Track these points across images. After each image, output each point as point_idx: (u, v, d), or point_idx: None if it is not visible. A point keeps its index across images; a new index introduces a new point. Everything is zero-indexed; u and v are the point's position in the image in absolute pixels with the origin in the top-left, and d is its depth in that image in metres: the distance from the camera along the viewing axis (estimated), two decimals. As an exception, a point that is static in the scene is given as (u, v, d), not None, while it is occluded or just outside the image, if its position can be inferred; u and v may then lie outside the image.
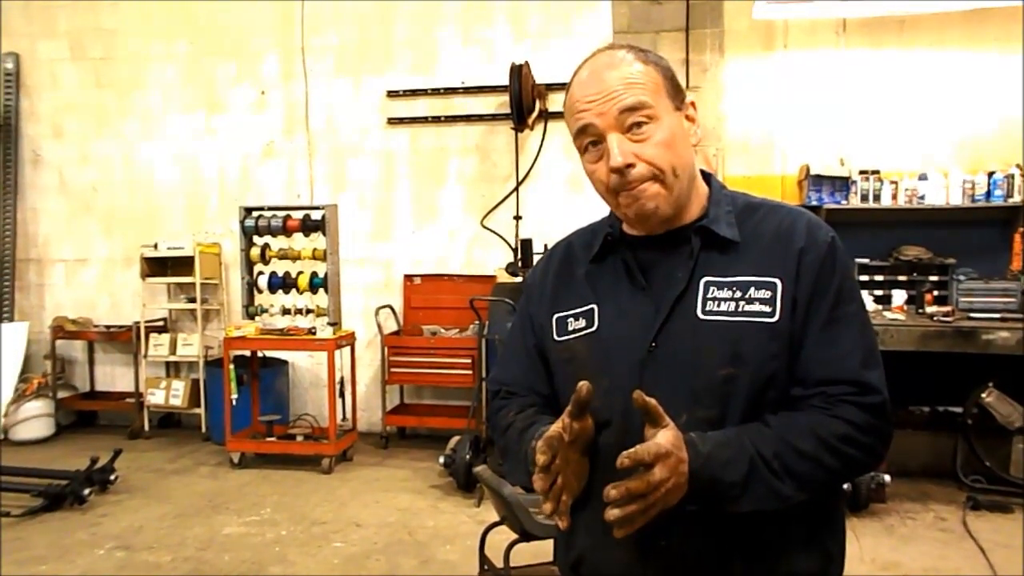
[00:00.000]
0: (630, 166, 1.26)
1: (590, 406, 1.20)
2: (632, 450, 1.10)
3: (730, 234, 1.32)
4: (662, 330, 1.29)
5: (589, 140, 1.30)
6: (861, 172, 5.50)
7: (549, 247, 1.60)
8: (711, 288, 1.29)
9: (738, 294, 1.27)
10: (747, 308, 1.26)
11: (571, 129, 1.33)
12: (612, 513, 1.11)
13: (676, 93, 1.32)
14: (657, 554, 1.27)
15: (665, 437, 1.14)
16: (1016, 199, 5.26)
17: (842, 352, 1.26)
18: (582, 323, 1.38)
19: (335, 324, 5.67)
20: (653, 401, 1.14)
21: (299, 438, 5.83)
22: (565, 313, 1.41)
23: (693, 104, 1.35)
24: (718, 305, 1.28)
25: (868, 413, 1.24)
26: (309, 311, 5.82)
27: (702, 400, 1.25)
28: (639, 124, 1.26)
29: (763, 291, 1.27)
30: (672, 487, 1.13)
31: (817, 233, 1.31)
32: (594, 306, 1.37)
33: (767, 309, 1.26)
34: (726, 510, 1.20)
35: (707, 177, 1.41)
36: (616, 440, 1.30)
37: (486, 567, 3.53)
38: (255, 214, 5.80)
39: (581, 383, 1.18)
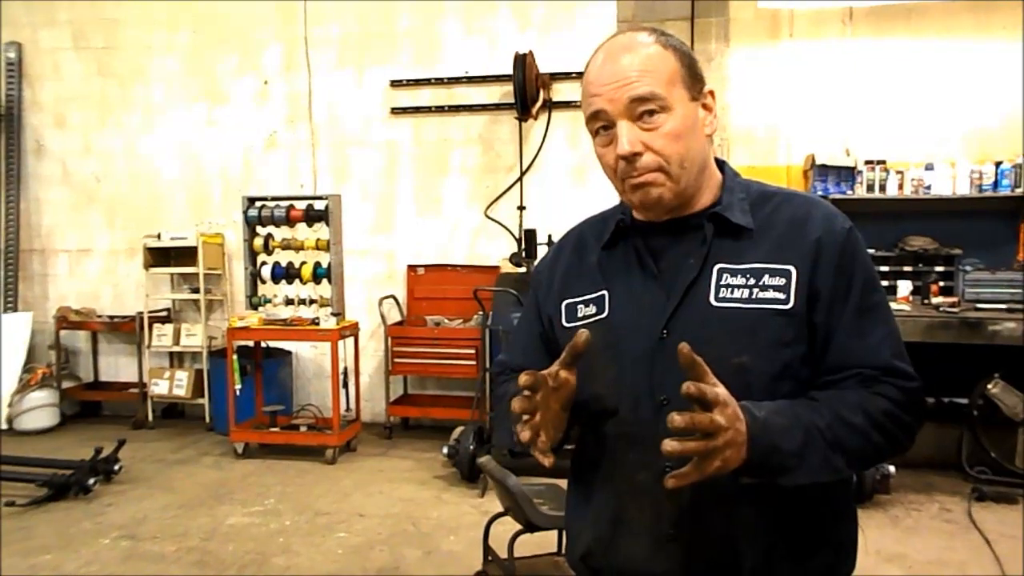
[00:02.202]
0: (637, 154, 1.25)
1: (584, 354, 1.19)
2: (697, 383, 1.06)
3: (744, 221, 1.30)
4: (673, 317, 1.27)
5: (600, 124, 1.28)
6: (867, 162, 5.47)
7: (553, 237, 1.59)
8: (724, 275, 1.27)
9: (752, 281, 1.25)
10: (761, 295, 1.24)
11: (584, 112, 1.31)
12: (671, 444, 1.04)
13: (694, 82, 1.29)
14: (667, 545, 1.26)
15: (723, 390, 1.09)
16: (1023, 189, 5.23)
17: (875, 341, 1.25)
18: (592, 309, 1.36)
19: (339, 314, 5.67)
20: (699, 358, 1.08)
21: (303, 428, 5.84)
22: (575, 299, 1.39)
23: (712, 93, 1.32)
24: (731, 292, 1.26)
25: (905, 394, 1.23)
26: (312, 301, 5.82)
27: None
28: (650, 112, 1.24)
29: (777, 278, 1.25)
30: (730, 441, 1.08)
31: (834, 222, 1.29)
32: (605, 292, 1.36)
33: (781, 296, 1.24)
34: (779, 482, 1.15)
35: (721, 164, 1.39)
36: (624, 429, 1.30)
37: (490, 558, 3.53)
38: (258, 204, 5.79)
39: (581, 331, 1.17)
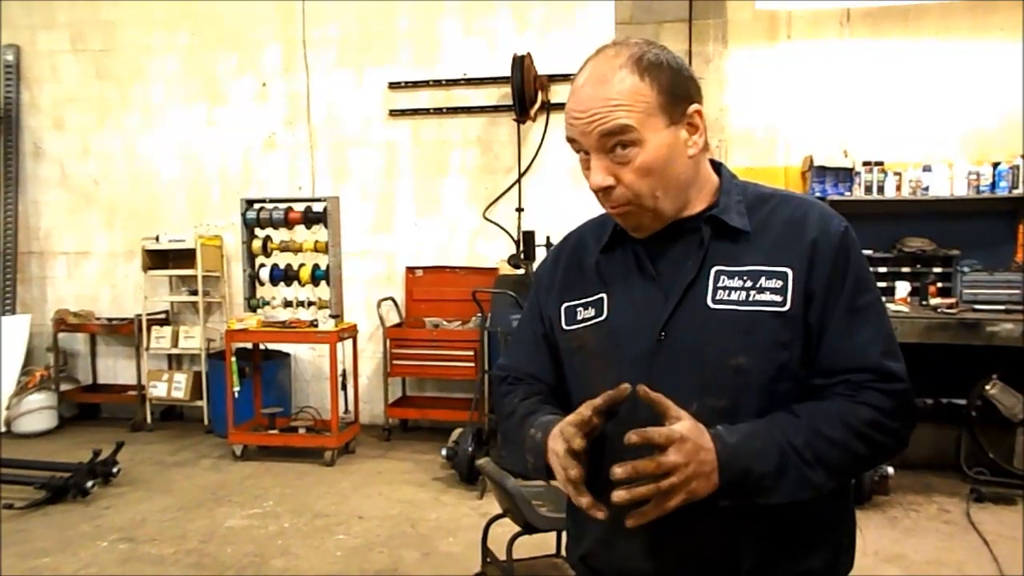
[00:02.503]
0: (610, 188, 1.27)
1: (622, 400, 1.20)
2: (642, 429, 1.08)
3: (740, 223, 1.31)
4: (671, 319, 1.28)
5: (578, 149, 1.31)
6: (865, 163, 5.47)
7: (552, 239, 1.60)
8: (721, 277, 1.28)
9: (749, 283, 1.26)
10: (758, 297, 1.25)
11: (565, 132, 1.33)
12: (619, 494, 1.08)
13: (675, 105, 1.26)
14: (665, 547, 1.26)
15: (682, 425, 1.12)
16: (1021, 190, 5.23)
17: (864, 341, 1.25)
18: (591, 312, 1.37)
19: (337, 316, 5.67)
20: (658, 395, 1.12)
21: (301, 431, 5.83)
22: (574, 302, 1.40)
23: (699, 112, 1.30)
24: (728, 294, 1.27)
25: (892, 399, 1.23)
26: (311, 303, 5.82)
27: (712, 390, 1.24)
28: (623, 145, 1.24)
29: (774, 280, 1.26)
30: (693, 475, 1.11)
31: (830, 223, 1.30)
32: (603, 295, 1.37)
33: (778, 298, 1.25)
34: (758, 503, 1.18)
35: (718, 167, 1.39)
36: (623, 430, 1.29)
37: (489, 560, 3.53)
38: (256, 206, 5.79)
39: (624, 385, 1.19)
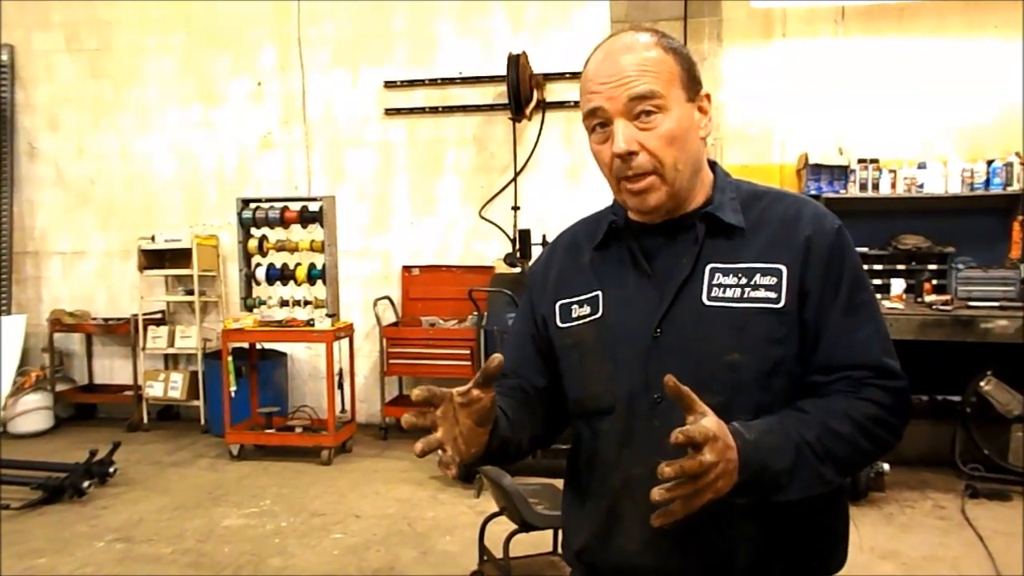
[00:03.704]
0: (632, 153, 1.26)
1: (496, 379, 1.19)
2: (684, 428, 1.06)
3: (735, 220, 1.31)
4: (666, 316, 1.29)
5: (598, 122, 1.29)
6: (860, 161, 5.48)
7: (548, 237, 1.60)
8: (716, 274, 1.29)
9: (743, 280, 1.27)
10: (752, 294, 1.26)
11: (582, 108, 1.32)
12: (659, 493, 1.05)
13: (692, 84, 1.30)
14: (661, 542, 1.27)
15: (712, 421, 1.10)
16: (1015, 187, 5.25)
17: (863, 339, 1.26)
18: (586, 310, 1.37)
19: (333, 316, 5.66)
20: (686, 389, 1.09)
21: (298, 430, 5.83)
22: (569, 300, 1.41)
23: (708, 96, 1.34)
24: (723, 291, 1.27)
25: (893, 395, 1.25)
26: (307, 303, 5.82)
27: (708, 387, 1.23)
28: (648, 112, 1.25)
29: (769, 277, 1.26)
30: (721, 473, 1.09)
31: (823, 221, 1.31)
32: (599, 293, 1.37)
33: (772, 295, 1.26)
34: (772, 499, 1.18)
35: (712, 164, 1.41)
36: (618, 427, 1.31)
37: (486, 558, 3.53)
38: (253, 206, 5.78)
39: (493, 355, 1.17)
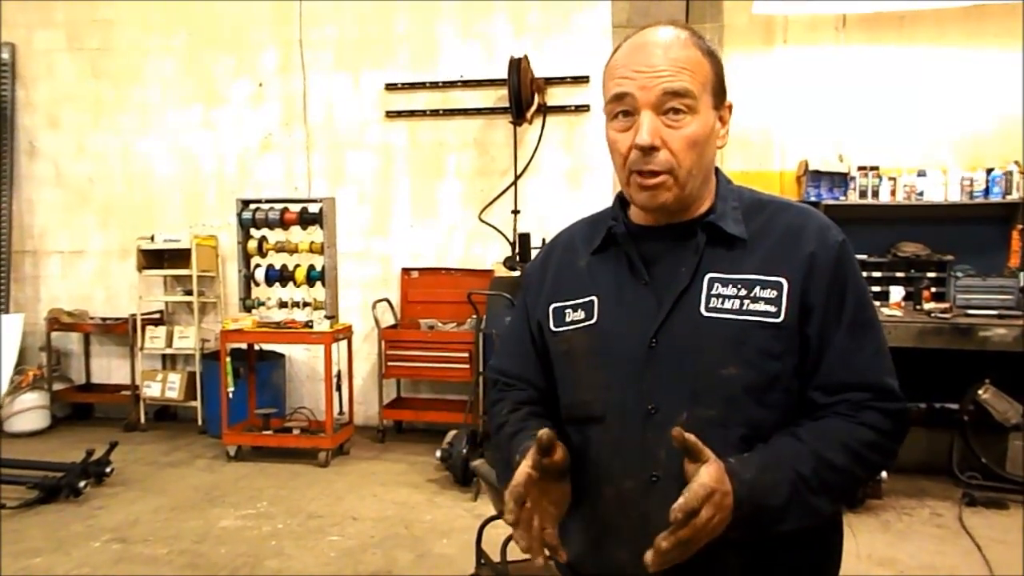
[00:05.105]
0: (655, 149, 1.23)
1: (553, 444, 1.19)
2: (683, 502, 1.06)
3: (737, 231, 1.30)
4: (663, 326, 1.27)
5: (622, 109, 1.26)
6: (860, 168, 5.51)
7: (548, 241, 1.59)
8: (715, 285, 1.27)
9: (743, 292, 1.25)
10: (752, 307, 1.24)
11: (606, 92, 1.29)
12: (665, 539, 1.07)
13: (720, 91, 1.29)
14: None
15: (709, 474, 1.09)
16: (1014, 196, 5.27)
17: (865, 359, 1.25)
18: (581, 315, 1.36)
19: (332, 317, 5.66)
20: (693, 437, 1.09)
21: (296, 431, 5.83)
22: (563, 304, 1.39)
23: (730, 107, 1.33)
24: (722, 302, 1.26)
25: (891, 419, 1.24)
26: (306, 304, 5.81)
27: (703, 399, 1.23)
28: (677, 111, 1.23)
29: (769, 290, 1.25)
30: (718, 523, 1.10)
31: (827, 235, 1.29)
32: (594, 298, 1.35)
33: (772, 309, 1.24)
34: (766, 533, 1.18)
35: (715, 171, 1.39)
36: (611, 436, 1.30)
37: (483, 561, 3.52)
38: (252, 207, 5.78)
39: (542, 431, 1.17)
